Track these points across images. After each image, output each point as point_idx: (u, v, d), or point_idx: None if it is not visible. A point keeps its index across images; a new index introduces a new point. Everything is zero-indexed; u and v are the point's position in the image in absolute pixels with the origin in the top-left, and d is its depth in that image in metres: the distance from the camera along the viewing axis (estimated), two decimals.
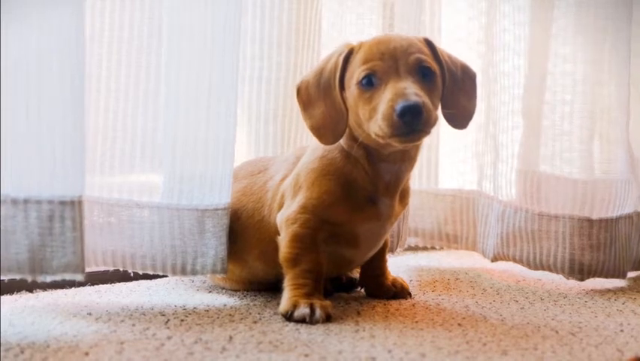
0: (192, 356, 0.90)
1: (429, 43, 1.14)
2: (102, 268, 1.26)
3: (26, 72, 1.00)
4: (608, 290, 1.40)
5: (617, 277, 1.45)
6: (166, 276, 1.33)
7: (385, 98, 1.04)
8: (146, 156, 1.19)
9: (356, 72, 1.09)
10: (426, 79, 1.08)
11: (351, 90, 1.10)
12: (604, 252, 1.42)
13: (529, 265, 1.47)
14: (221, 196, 1.19)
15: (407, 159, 1.15)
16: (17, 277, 1.02)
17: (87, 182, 1.17)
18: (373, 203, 1.15)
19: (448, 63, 1.15)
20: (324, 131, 1.13)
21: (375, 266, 1.28)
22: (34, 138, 1.00)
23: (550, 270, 1.45)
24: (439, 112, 1.13)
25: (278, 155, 1.38)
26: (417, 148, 1.16)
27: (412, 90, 1.03)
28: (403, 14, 1.49)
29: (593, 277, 1.43)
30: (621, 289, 1.41)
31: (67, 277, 1.02)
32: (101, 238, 1.17)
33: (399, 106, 1.01)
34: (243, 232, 1.21)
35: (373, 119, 1.06)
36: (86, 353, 0.89)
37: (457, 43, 1.67)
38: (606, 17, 1.45)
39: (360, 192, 1.14)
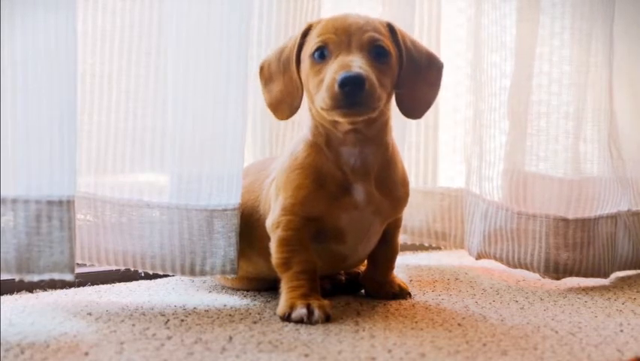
0: (192, 356, 0.90)
1: (390, 27, 1.14)
2: (106, 268, 1.27)
3: (15, 74, 0.99)
4: (608, 290, 1.40)
5: (598, 276, 1.46)
6: (168, 275, 1.33)
7: (331, 70, 1.06)
8: (155, 156, 1.20)
9: (310, 45, 1.11)
10: (379, 58, 1.09)
11: (304, 63, 1.12)
12: (581, 251, 1.44)
13: (508, 264, 1.48)
14: (230, 197, 1.19)
15: (368, 142, 1.14)
16: (5, 276, 1.02)
17: (99, 182, 1.18)
18: (346, 190, 1.14)
19: (410, 49, 1.15)
20: (281, 106, 1.16)
21: (380, 273, 1.27)
22: (23, 138, 1.00)
23: (527, 268, 1.46)
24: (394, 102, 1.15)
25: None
26: (377, 131, 1.14)
27: (357, 63, 1.05)
28: (397, 15, 1.50)
29: (569, 276, 1.44)
30: (621, 289, 1.41)
31: (56, 276, 1.02)
32: (113, 237, 1.18)
33: (340, 76, 1.02)
34: (247, 228, 1.21)
35: (320, 92, 1.07)
36: (86, 353, 0.89)
37: (456, 44, 1.68)
38: (590, 19, 1.46)
39: (330, 181, 1.13)
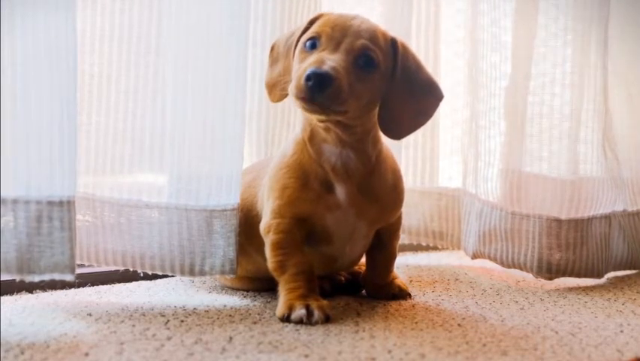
0: (192, 357, 0.90)
1: (393, 43, 1.12)
2: (108, 268, 1.27)
3: (15, 74, 0.99)
4: (608, 291, 1.40)
5: (591, 277, 1.46)
6: (168, 276, 1.33)
7: (307, 61, 1.05)
8: (154, 156, 1.20)
9: (308, 33, 1.10)
10: (364, 68, 1.07)
11: (297, 49, 1.11)
12: (574, 252, 1.44)
13: (502, 264, 1.49)
14: (229, 197, 1.19)
15: (347, 146, 1.13)
16: (5, 276, 1.02)
17: (98, 182, 1.18)
18: (329, 189, 1.13)
19: (408, 69, 1.13)
20: (274, 88, 1.17)
21: (379, 276, 1.27)
22: (23, 138, 1.00)
23: (521, 268, 1.47)
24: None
25: None
26: (356, 140, 1.13)
27: (331, 63, 1.03)
28: (395, 15, 1.50)
29: (562, 276, 1.44)
30: (621, 290, 1.42)
31: (57, 276, 1.02)
32: (112, 237, 1.18)
33: (309, 69, 1.02)
34: (246, 224, 1.21)
35: (293, 79, 1.06)
36: (86, 354, 0.89)
37: (455, 44, 1.68)
38: (585, 20, 1.47)
39: (313, 179, 1.13)
